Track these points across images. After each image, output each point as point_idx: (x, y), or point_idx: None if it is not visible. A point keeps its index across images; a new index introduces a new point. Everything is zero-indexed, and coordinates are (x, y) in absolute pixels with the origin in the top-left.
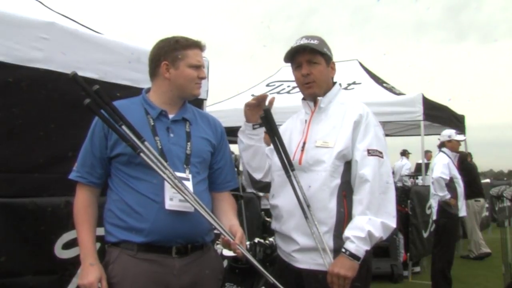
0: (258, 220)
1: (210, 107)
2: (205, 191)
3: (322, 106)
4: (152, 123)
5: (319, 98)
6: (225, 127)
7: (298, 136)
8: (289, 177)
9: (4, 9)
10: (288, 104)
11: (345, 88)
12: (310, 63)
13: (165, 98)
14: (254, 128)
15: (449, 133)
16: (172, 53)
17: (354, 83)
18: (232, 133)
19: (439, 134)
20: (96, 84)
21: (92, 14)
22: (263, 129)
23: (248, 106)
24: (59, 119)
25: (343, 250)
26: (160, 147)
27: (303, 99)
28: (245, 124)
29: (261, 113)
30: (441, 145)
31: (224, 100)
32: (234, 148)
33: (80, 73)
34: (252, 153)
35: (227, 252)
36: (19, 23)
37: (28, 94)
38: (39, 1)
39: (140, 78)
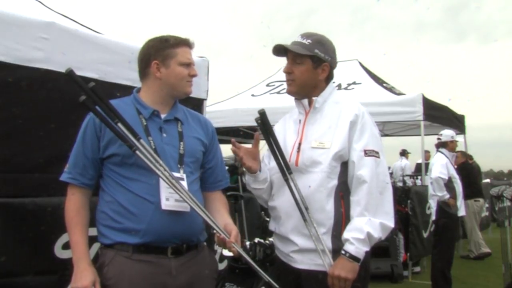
0: (258, 220)
1: (210, 107)
2: (198, 191)
3: (317, 106)
4: (145, 123)
5: (314, 98)
6: (225, 127)
7: (293, 136)
8: (286, 180)
9: (4, 9)
10: (288, 104)
11: (345, 88)
12: (294, 62)
13: (156, 97)
14: (260, 174)
15: (451, 133)
16: (162, 52)
17: (354, 83)
18: (232, 133)
19: (438, 134)
20: (97, 84)
21: (92, 14)
22: (266, 169)
23: (242, 158)
24: (59, 119)
25: (343, 252)
26: (153, 147)
27: (296, 98)
28: (252, 176)
29: (256, 118)
30: (440, 145)
31: (224, 100)
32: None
33: (80, 73)
34: (271, 188)
35: (227, 252)
36: (19, 23)
37: (28, 94)
38: (39, 1)
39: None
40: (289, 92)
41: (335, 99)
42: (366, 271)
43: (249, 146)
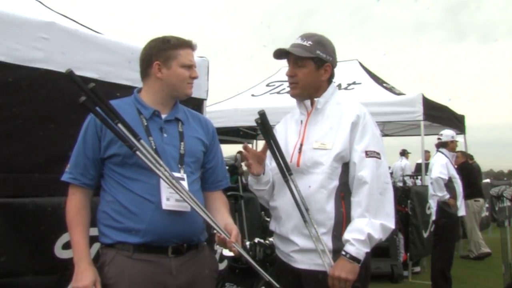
0: (258, 220)
1: (210, 107)
2: (199, 191)
3: (319, 107)
4: (145, 123)
5: (315, 99)
6: (225, 127)
7: (294, 137)
8: (286, 181)
9: (4, 9)
10: (288, 104)
11: (345, 88)
12: (296, 65)
13: (157, 98)
14: (263, 176)
15: (451, 133)
16: (164, 52)
17: (354, 83)
18: (232, 133)
19: (439, 134)
20: (97, 84)
21: (92, 14)
22: (269, 170)
23: (250, 164)
24: (59, 119)
25: (343, 253)
26: (154, 147)
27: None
28: (255, 178)
29: (256, 118)
30: (440, 145)
31: (223, 100)
32: (233, 148)
33: (80, 73)
34: (273, 190)
35: (227, 252)
36: (19, 23)
37: (28, 94)
38: (39, 1)
39: (140, 78)
40: (293, 95)
41: (337, 100)
42: (366, 271)
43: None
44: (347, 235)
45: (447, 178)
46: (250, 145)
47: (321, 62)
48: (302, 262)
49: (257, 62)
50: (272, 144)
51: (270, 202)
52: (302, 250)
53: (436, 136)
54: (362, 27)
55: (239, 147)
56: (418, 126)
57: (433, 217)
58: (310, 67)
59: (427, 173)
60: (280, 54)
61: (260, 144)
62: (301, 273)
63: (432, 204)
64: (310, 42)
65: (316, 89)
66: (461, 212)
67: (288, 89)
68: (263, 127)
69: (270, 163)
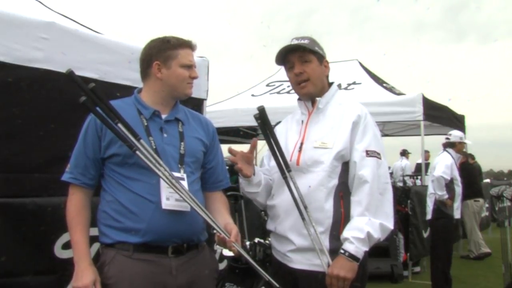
0: (258, 220)
1: (210, 107)
2: (199, 191)
3: (320, 107)
4: (146, 123)
5: (317, 98)
6: (225, 127)
7: (295, 136)
8: (285, 178)
9: (4, 9)
10: (288, 104)
11: (345, 88)
12: (302, 62)
13: (157, 98)
14: (254, 177)
15: (461, 134)
16: (164, 53)
17: (354, 83)
18: (232, 133)
19: (439, 134)
20: (96, 84)
21: (92, 14)
22: (261, 172)
23: (239, 167)
24: (59, 119)
25: (342, 251)
26: (154, 147)
27: (299, 99)
28: (245, 180)
29: (255, 114)
30: (448, 145)
31: (224, 100)
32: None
33: (80, 73)
34: (265, 191)
35: (227, 252)
36: (19, 23)
37: (28, 94)
38: (39, 1)
39: (140, 78)
40: (305, 93)
41: (338, 101)
42: (364, 270)
43: (245, 147)
44: (346, 233)
45: (449, 178)
46: (237, 145)
47: (321, 57)
48: (299, 263)
49: (257, 62)
50: (271, 140)
51: (268, 201)
52: (299, 249)
53: (440, 136)
54: (362, 27)
55: (239, 147)
56: (418, 126)
57: (429, 217)
58: (315, 62)
59: (427, 173)
60: (283, 56)
61: (260, 144)
62: (297, 273)
63: (429, 203)
64: (307, 41)
65: (323, 86)
66: (457, 215)
67: (288, 89)
68: (262, 123)
69: (270, 162)
